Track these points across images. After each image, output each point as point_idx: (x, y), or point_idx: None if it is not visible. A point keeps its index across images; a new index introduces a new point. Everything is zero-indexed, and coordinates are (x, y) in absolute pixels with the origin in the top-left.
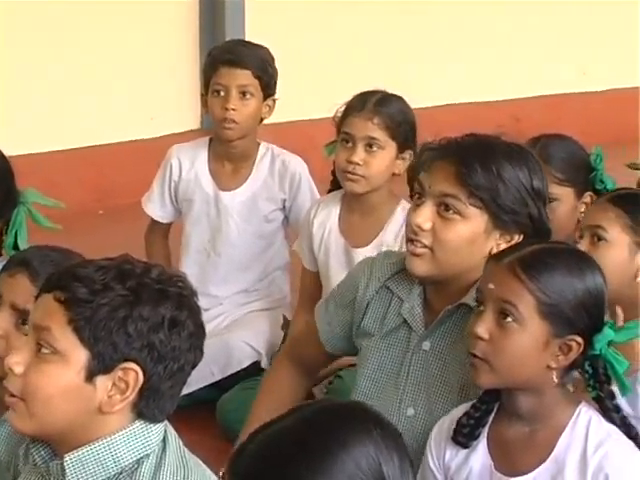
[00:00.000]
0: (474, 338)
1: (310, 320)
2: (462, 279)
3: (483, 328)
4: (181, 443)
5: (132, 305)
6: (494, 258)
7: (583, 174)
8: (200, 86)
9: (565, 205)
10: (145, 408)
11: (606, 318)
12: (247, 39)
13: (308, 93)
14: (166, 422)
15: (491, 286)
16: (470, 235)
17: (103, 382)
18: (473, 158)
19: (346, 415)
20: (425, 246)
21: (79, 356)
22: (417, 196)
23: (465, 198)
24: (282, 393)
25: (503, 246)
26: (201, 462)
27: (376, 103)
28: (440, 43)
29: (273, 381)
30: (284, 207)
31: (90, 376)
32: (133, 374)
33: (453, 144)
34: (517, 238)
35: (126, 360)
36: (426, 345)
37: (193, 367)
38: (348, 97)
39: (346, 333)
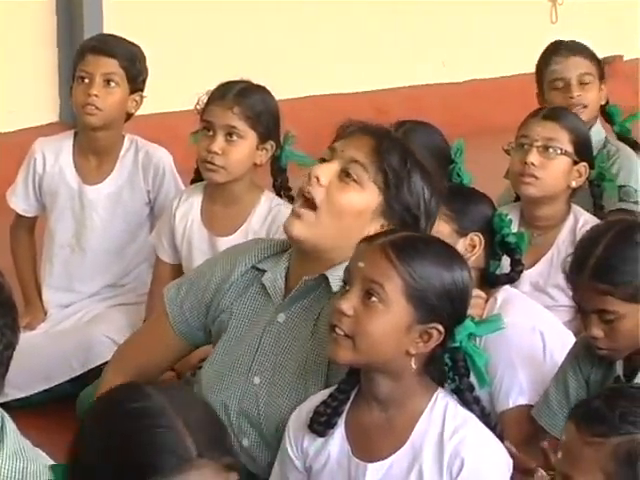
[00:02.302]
0: (338, 314)
1: (158, 314)
2: (332, 254)
3: (348, 304)
4: (19, 435)
5: None
6: (366, 240)
7: (442, 165)
8: (58, 78)
9: None
10: None
11: None
12: (106, 30)
13: (170, 85)
14: (3, 415)
15: (361, 264)
16: (360, 207)
17: None
18: (395, 144)
19: None
20: (312, 207)
21: None
22: (323, 160)
23: (372, 171)
24: None
25: None
26: (43, 454)
27: (237, 93)
28: (300, 36)
29: None
30: (149, 199)
31: None
32: None
33: (384, 128)
34: None
35: None
36: (281, 317)
37: (7, 349)
38: (211, 88)
39: (195, 319)
